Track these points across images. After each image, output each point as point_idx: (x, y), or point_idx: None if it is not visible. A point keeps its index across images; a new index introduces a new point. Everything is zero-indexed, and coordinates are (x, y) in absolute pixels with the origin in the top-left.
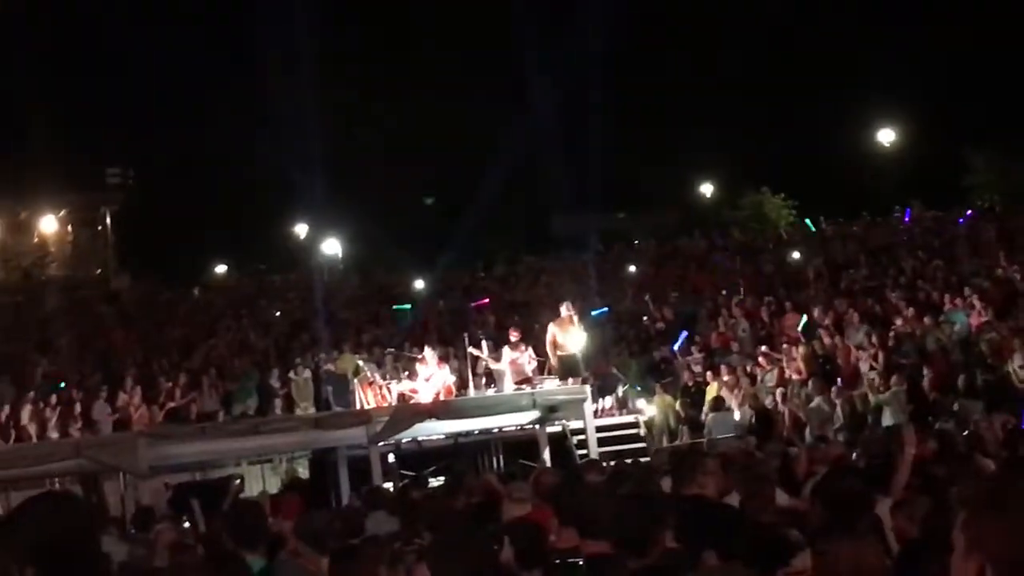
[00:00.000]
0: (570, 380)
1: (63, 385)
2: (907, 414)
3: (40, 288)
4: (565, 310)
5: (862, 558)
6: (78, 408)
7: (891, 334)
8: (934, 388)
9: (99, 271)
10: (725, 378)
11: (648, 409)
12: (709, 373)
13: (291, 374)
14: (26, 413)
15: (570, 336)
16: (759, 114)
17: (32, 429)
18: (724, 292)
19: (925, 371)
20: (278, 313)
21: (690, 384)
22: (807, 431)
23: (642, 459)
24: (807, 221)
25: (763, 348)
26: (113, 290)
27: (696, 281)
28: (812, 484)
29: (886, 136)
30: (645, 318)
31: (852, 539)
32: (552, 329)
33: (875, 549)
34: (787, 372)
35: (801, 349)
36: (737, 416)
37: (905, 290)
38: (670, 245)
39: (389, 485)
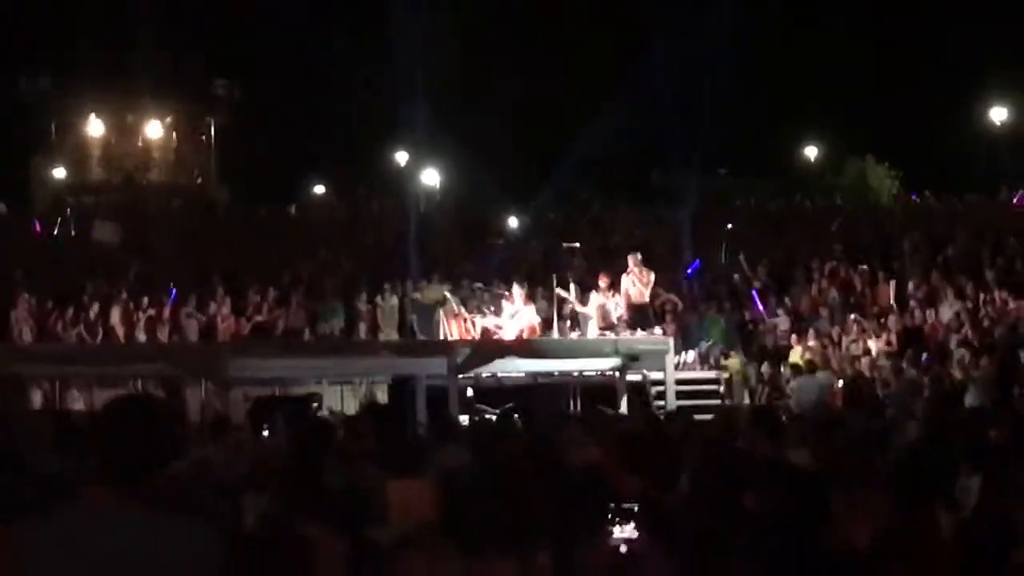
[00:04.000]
0: (639, 331)
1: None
2: (992, 396)
3: (140, 192)
4: (632, 259)
5: None
6: (167, 313)
7: (985, 314)
8: None
9: (199, 181)
10: (811, 343)
11: (730, 366)
12: (794, 336)
13: (378, 299)
14: (116, 313)
15: (639, 287)
16: (868, 81)
17: (120, 329)
18: (818, 257)
19: (1021, 355)
20: (371, 238)
21: (772, 345)
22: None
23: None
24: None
25: (854, 316)
26: (211, 201)
27: (792, 244)
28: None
29: (998, 115)
30: (737, 276)
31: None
32: (624, 281)
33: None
34: (873, 342)
35: (893, 320)
36: (818, 381)
37: (1003, 271)
38: (769, 206)
39: (465, 418)
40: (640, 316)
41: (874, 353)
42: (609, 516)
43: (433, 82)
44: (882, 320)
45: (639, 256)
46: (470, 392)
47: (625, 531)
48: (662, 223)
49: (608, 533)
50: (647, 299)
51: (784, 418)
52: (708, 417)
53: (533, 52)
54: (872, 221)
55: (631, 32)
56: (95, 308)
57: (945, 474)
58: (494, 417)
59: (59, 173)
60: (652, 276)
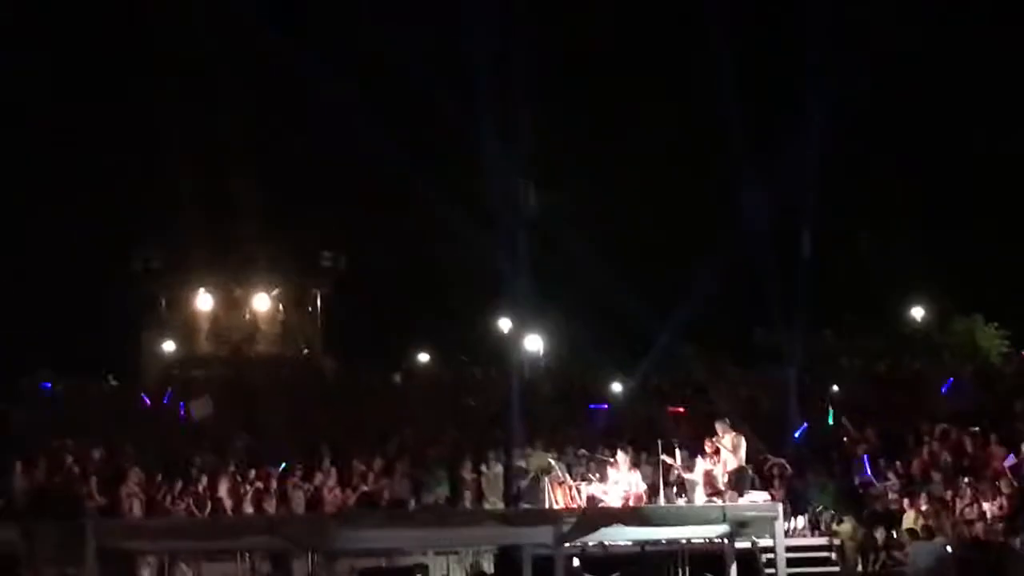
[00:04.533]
0: (737, 494)
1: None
2: None
3: (248, 364)
4: (720, 426)
5: None
6: (274, 485)
7: None
8: None
9: (305, 351)
10: (924, 507)
11: (842, 532)
12: (907, 500)
13: (483, 467)
14: (224, 485)
15: (728, 452)
16: (975, 237)
17: (228, 502)
18: (927, 420)
19: None
20: (474, 404)
21: (885, 510)
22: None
23: None
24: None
25: (967, 479)
26: (317, 371)
27: (901, 406)
28: None
29: None
30: (846, 439)
31: None
32: (719, 445)
33: None
34: (988, 505)
35: (1006, 484)
36: (935, 547)
37: None
38: (876, 367)
39: None
40: (738, 479)
41: (989, 517)
42: None
43: (534, 247)
44: (996, 483)
45: (727, 421)
46: (576, 561)
47: None
48: (767, 384)
49: None
50: (742, 462)
51: None
52: None
53: (634, 216)
54: (982, 382)
55: (726, 188)
56: (203, 481)
57: None
58: None
59: (169, 347)
60: (742, 440)
